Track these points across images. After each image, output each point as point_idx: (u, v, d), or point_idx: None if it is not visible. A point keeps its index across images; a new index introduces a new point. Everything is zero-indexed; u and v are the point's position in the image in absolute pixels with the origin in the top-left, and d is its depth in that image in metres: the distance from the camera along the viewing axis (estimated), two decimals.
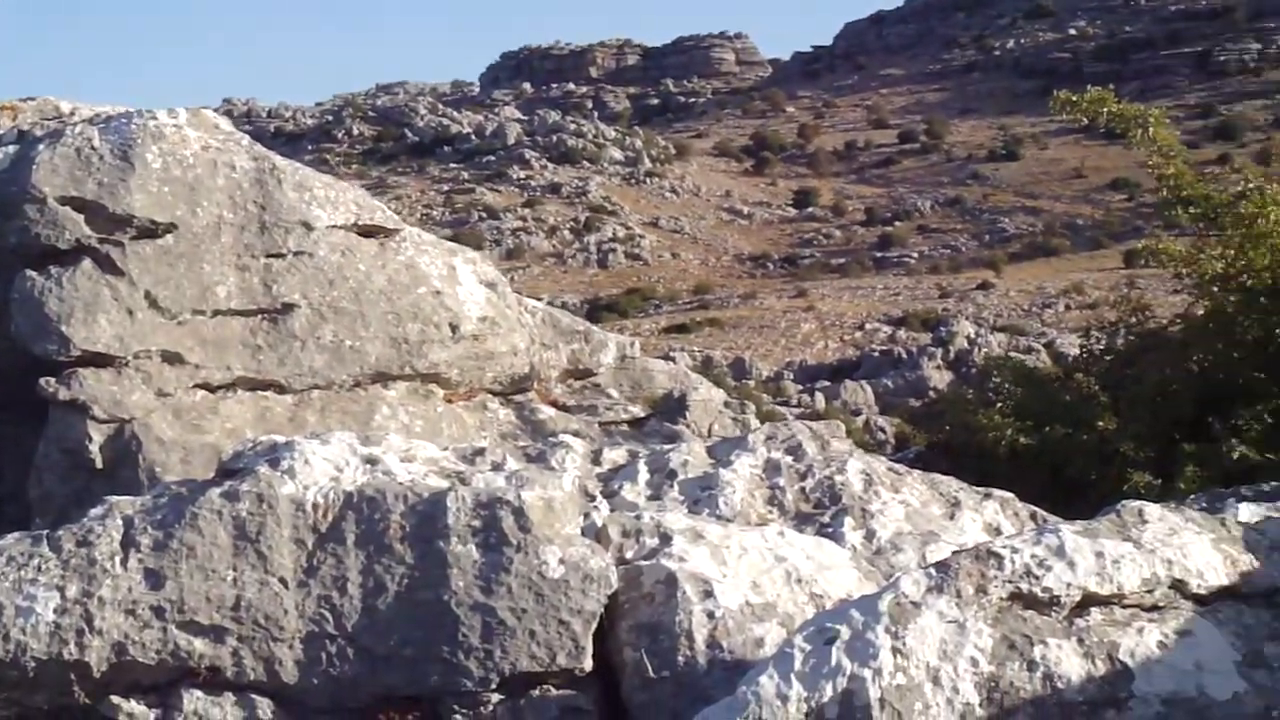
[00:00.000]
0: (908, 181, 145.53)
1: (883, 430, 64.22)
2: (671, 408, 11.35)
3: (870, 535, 6.66)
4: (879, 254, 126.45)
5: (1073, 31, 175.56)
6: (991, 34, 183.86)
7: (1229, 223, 8.76)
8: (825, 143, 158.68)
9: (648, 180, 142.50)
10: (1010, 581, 4.57)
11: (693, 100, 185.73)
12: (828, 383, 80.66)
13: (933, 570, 4.67)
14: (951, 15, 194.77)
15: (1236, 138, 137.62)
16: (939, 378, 76.14)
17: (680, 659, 5.86)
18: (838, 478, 7.01)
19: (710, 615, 5.90)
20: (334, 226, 10.12)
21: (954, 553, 4.80)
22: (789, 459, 7.19)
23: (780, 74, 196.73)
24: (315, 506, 6.48)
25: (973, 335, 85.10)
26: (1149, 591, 4.64)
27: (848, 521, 6.73)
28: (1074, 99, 9.11)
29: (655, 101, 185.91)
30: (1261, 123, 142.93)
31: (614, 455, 7.79)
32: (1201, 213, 8.89)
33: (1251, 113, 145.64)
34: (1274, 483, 5.99)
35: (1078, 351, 10.60)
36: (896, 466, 7.35)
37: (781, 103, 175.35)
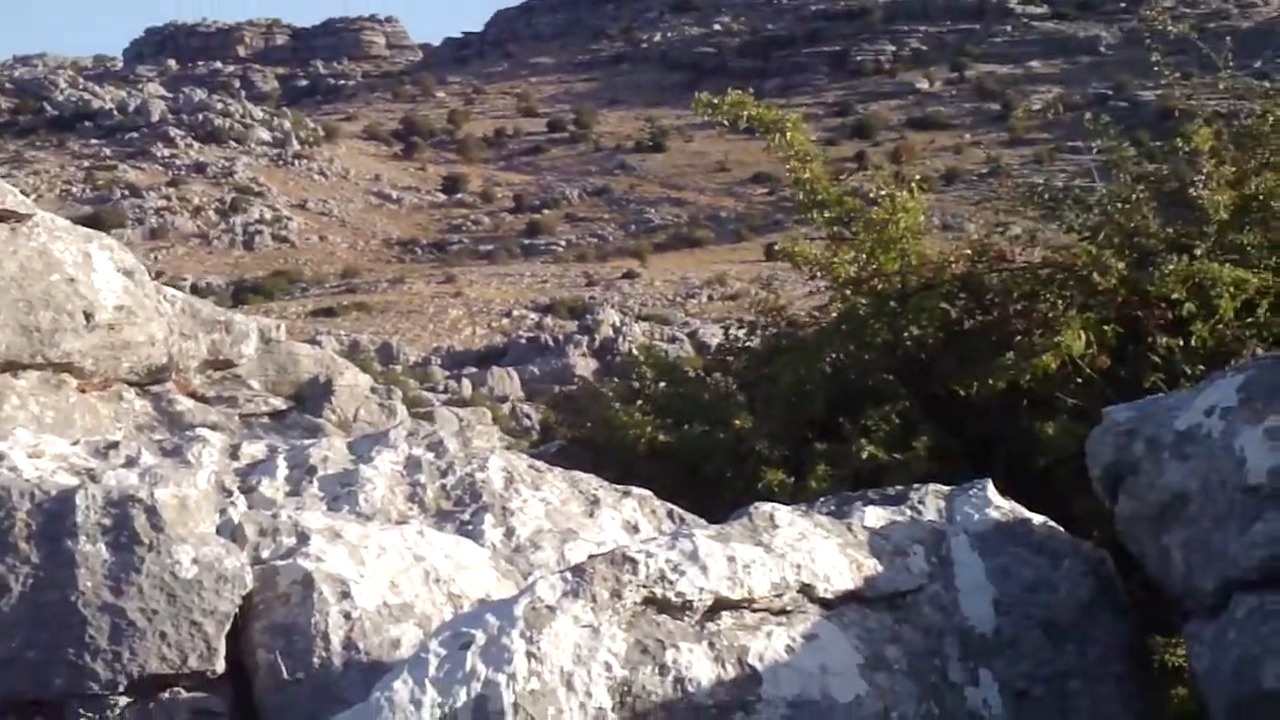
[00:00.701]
0: (556, 170, 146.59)
1: (529, 417, 64.71)
2: (317, 393, 11.21)
3: (510, 533, 6.65)
4: (527, 241, 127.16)
5: (718, 27, 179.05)
6: (639, 26, 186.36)
7: (861, 228, 8.99)
8: (475, 129, 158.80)
9: (296, 162, 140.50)
10: (644, 586, 4.62)
11: (342, 83, 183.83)
12: (475, 369, 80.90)
13: (568, 574, 4.69)
14: (600, 7, 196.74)
15: (872, 136, 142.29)
16: (585, 365, 77.03)
17: (316, 660, 5.78)
18: (479, 475, 6.99)
19: (347, 616, 5.83)
20: None
21: (589, 557, 4.83)
22: (430, 455, 7.16)
23: (431, 59, 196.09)
24: None
25: (618, 324, 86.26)
26: (778, 595, 4.74)
27: (488, 519, 6.71)
28: (714, 101, 9.25)
29: (304, 83, 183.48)
30: (895, 122, 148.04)
31: (253, 450, 7.64)
32: (836, 217, 9.11)
33: (886, 112, 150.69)
34: (899, 486, 6.18)
35: (716, 349, 10.78)
36: (538, 464, 7.36)
37: (432, 88, 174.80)
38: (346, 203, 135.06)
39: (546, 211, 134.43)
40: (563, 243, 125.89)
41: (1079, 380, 8.32)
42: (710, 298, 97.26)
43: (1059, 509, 7.62)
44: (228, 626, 5.95)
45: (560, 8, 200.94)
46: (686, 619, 4.65)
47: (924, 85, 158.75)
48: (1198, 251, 8.53)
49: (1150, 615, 5.97)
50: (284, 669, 5.81)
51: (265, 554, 6.24)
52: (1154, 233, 8.76)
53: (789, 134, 9.19)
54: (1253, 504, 4.83)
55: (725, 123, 9.38)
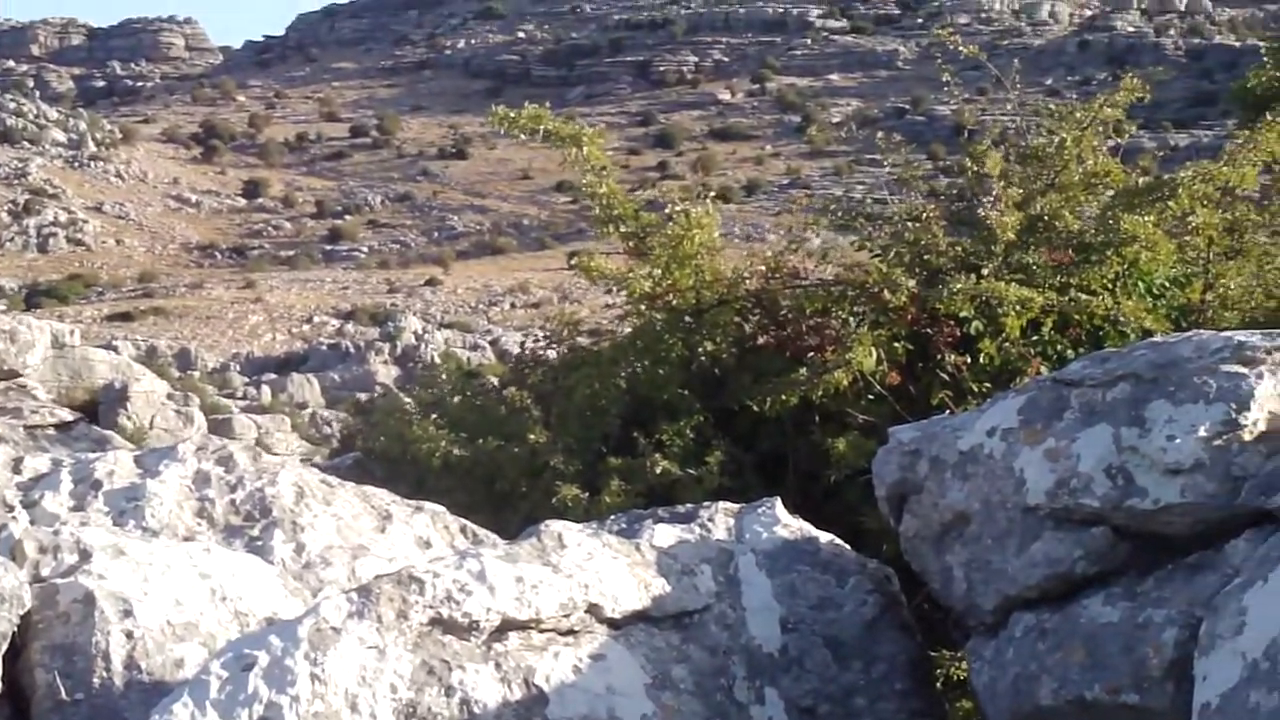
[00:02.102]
0: (358, 176, 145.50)
1: (329, 424, 64.02)
2: (112, 399, 10.99)
3: (300, 549, 6.57)
4: (329, 247, 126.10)
5: (521, 35, 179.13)
6: (443, 33, 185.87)
7: (657, 243, 9.03)
8: (276, 133, 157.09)
9: (92, 164, 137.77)
10: (431, 607, 4.58)
11: (140, 84, 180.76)
12: (275, 376, 79.96)
13: (354, 595, 4.64)
14: (403, 12, 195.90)
15: (675, 146, 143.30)
16: (386, 372, 76.54)
17: (96, 681, 5.65)
18: (269, 489, 6.89)
19: (129, 635, 5.71)
20: None
21: (376, 577, 4.78)
22: (220, 470, 7.04)
23: (231, 62, 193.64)
24: None
25: (420, 331, 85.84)
26: (566, 616, 4.73)
27: (278, 535, 6.62)
28: (512, 115, 9.23)
29: (101, 84, 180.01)
30: (697, 133, 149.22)
31: (36, 463, 7.45)
32: (632, 232, 9.14)
33: (689, 123, 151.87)
34: (693, 502, 6.21)
35: (514, 362, 10.76)
36: (329, 479, 7.28)
37: (232, 91, 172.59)
38: (144, 206, 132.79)
39: (349, 217, 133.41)
40: (365, 249, 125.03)
41: (870, 396, 8.44)
42: (513, 306, 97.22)
43: (850, 523, 7.74)
44: (4, 646, 5.80)
45: (363, 13, 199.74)
46: (473, 640, 4.62)
47: (726, 96, 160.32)
48: (985, 270, 8.71)
49: (938, 630, 6.07)
50: (63, 689, 5.68)
51: (46, 571, 6.09)
52: (943, 251, 8.92)
53: (586, 148, 9.20)
54: (1032, 524, 4.92)
55: (523, 136, 9.36)
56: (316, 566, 6.47)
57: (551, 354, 9.88)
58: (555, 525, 5.09)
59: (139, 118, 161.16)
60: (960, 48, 10.49)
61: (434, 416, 9.09)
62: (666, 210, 9.08)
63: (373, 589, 4.65)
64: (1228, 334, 5.04)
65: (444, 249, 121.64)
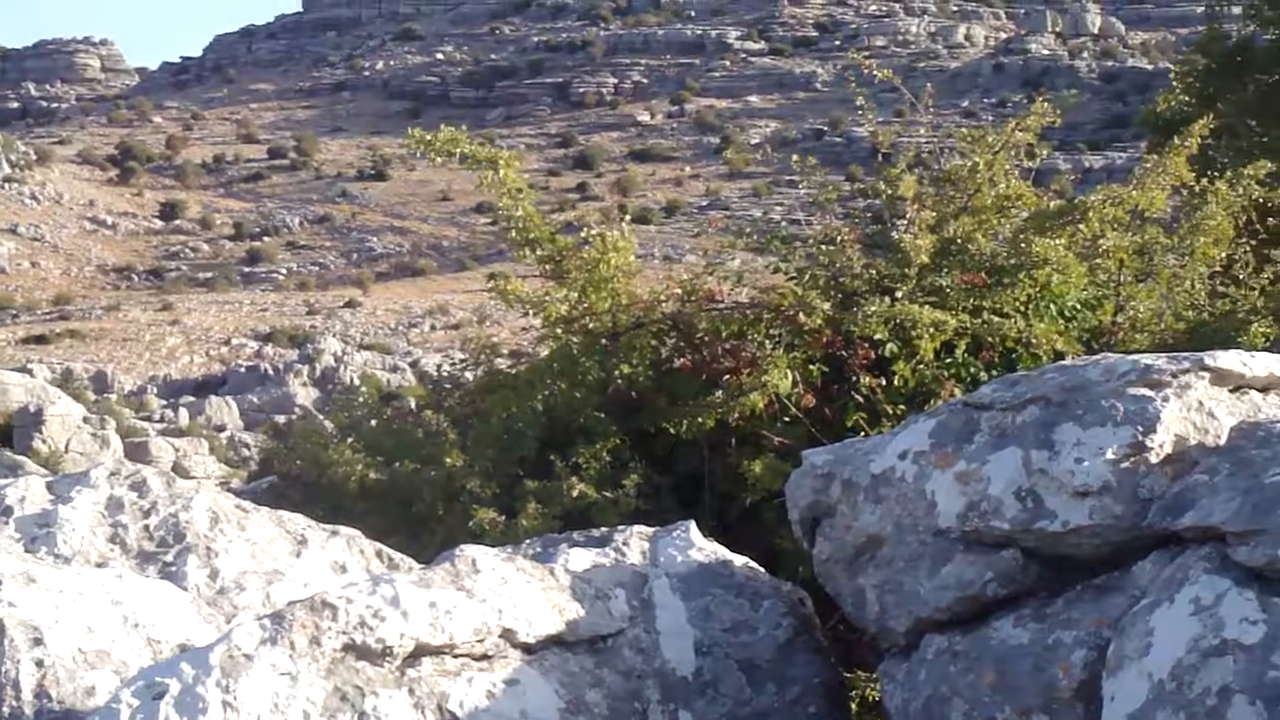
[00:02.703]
0: (277, 197, 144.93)
1: (247, 447, 63.61)
2: (27, 422, 10.90)
3: (214, 575, 6.52)
4: (247, 269, 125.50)
5: (440, 56, 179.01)
6: (361, 54, 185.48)
7: (573, 267, 9.04)
8: (193, 155, 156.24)
9: (6, 186, 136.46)
10: (344, 633, 4.56)
11: (56, 106, 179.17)
12: (193, 398, 79.42)
13: (266, 622, 4.61)
14: (321, 34, 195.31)
15: (594, 168, 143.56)
16: (305, 395, 76.12)
17: (5, 710, 5.59)
18: (183, 515, 6.84)
19: (40, 664, 5.65)
20: None
21: (289, 604, 4.75)
22: (133, 495, 6.98)
23: (148, 83, 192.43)
24: None
25: (339, 353, 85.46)
26: (480, 641, 4.72)
27: (191, 560, 6.57)
28: (428, 138, 9.22)
29: (15, 105, 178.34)
30: (617, 154, 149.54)
31: None
32: (548, 255, 9.15)
33: (608, 144, 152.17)
34: (609, 525, 6.21)
35: (431, 385, 10.74)
36: (244, 503, 7.23)
37: (149, 112, 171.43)
38: (60, 228, 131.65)
39: (267, 239, 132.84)
40: (283, 271, 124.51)
41: (786, 418, 8.47)
42: (433, 327, 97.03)
43: (767, 545, 7.77)
44: None
45: (281, 34, 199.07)
46: (387, 665, 4.60)
47: (645, 118, 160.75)
48: (900, 293, 8.77)
49: (854, 652, 6.10)
50: None
51: None
52: (858, 274, 8.98)
53: (502, 171, 9.21)
54: (943, 547, 4.95)
55: (439, 159, 9.35)
56: (231, 592, 6.43)
57: (469, 377, 9.87)
58: (470, 550, 5.08)
59: (54, 139, 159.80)
60: (874, 71, 10.57)
61: (350, 440, 9.06)
62: (583, 233, 9.09)
63: (285, 615, 4.63)
64: (1135, 357, 5.10)
65: (363, 271, 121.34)
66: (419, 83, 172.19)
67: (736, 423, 8.40)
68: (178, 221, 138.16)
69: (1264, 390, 5.05)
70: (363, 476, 8.67)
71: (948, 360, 8.67)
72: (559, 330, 9.09)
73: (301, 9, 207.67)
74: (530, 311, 9.22)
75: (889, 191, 9.25)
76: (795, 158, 10.29)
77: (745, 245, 9.77)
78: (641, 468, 8.51)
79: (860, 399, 8.46)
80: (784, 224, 10.52)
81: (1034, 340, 8.64)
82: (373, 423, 9.65)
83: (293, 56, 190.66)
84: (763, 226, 9.78)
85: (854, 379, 8.52)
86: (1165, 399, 4.82)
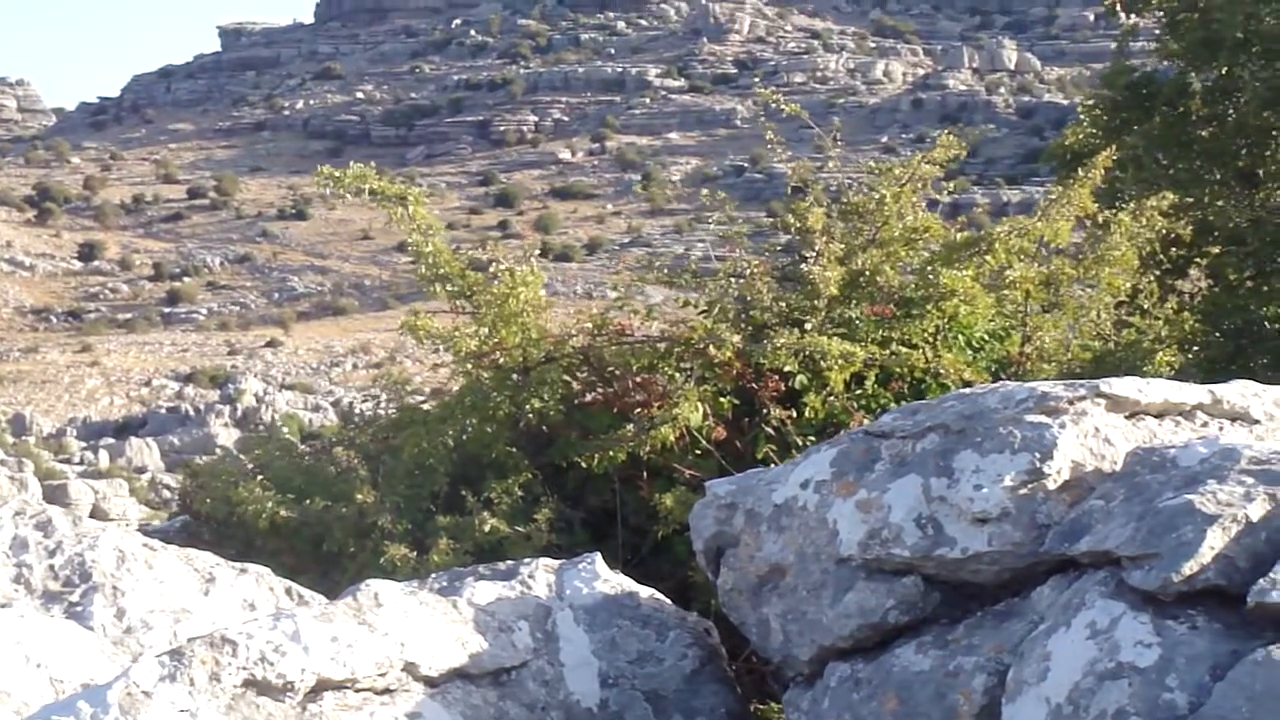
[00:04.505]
0: (197, 237, 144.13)
1: (168, 488, 63.13)
2: None
3: (121, 614, 6.47)
4: (167, 309, 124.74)
5: (360, 95, 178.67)
6: (281, 94, 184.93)
7: (483, 302, 9.05)
8: (112, 195, 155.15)
9: None
10: (245, 668, 4.54)
11: None
12: (113, 440, 78.84)
13: (166, 658, 4.59)
14: (241, 73, 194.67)
15: (516, 205, 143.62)
16: (227, 435, 75.57)
17: None
18: (89, 554, 6.79)
19: None
20: None
21: (189, 640, 4.73)
22: (39, 535, 6.92)
23: (65, 123, 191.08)
24: None
25: (261, 393, 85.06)
26: (382, 674, 4.71)
27: (98, 600, 6.52)
28: (336, 175, 9.22)
29: None
30: (539, 192, 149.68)
31: None
32: (459, 290, 9.15)
33: (530, 181, 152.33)
34: (511, 561, 6.21)
35: (342, 422, 10.70)
36: (152, 542, 7.18)
37: (66, 153, 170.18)
38: None
39: (187, 279, 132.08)
40: (204, 311, 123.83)
41: (697, 451, 8.49)
42: (355, 366, 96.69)
43: (680, 577, 7.79)
44: None
45: (199, 74, 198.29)
46: (288, 700, 4.58)
47: (566, 155, 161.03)
48: (809, 325, 8.81)
49: (768, 682, 6.11)
50: None
51: None
52: (768, 306, 9.02)
53: (412, 207, 9.21)
54: (845, 575, 4.98)
55: (349, 195, 9.34)
56: (138, 631, 6.39)
57: (382, 413, 9.85)
58: (374, 584, 5.07)
59: None
60: (782, 106, 10.65)
61: (260, 478, 9.01)
62: (492, 268, 9.10)
63: (185, 651, 4.61)
64: (1032, 385, 5.15)
65: (284, 310, 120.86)
66: (339, 122, 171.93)
67: (648, 456, 8.40)
68: (97, 262, 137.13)
69: (1159, 416, 5.11)
70: (273, 514, 8.61)
71: (857, 392, 8.72)
72: (470, 365, 9.09)
73: (220, 48, 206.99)
74: (440, 347, 9.21)
75: (798, 224, 9.31)
76: (705, 192, 10.36)
77: (656, 279, 9.81)
78: (553, 502, 8.51)
79: (771, 431, 8.48)
80: (703, 259, 10.55)
81: (942, 371, 8.70)
82: (283, 460, 9.59)
83: (212, 96, 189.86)
84: (673, 261, 9.82)
85: (764, 411, 8.54)
86: (1062, 426, 4.87)
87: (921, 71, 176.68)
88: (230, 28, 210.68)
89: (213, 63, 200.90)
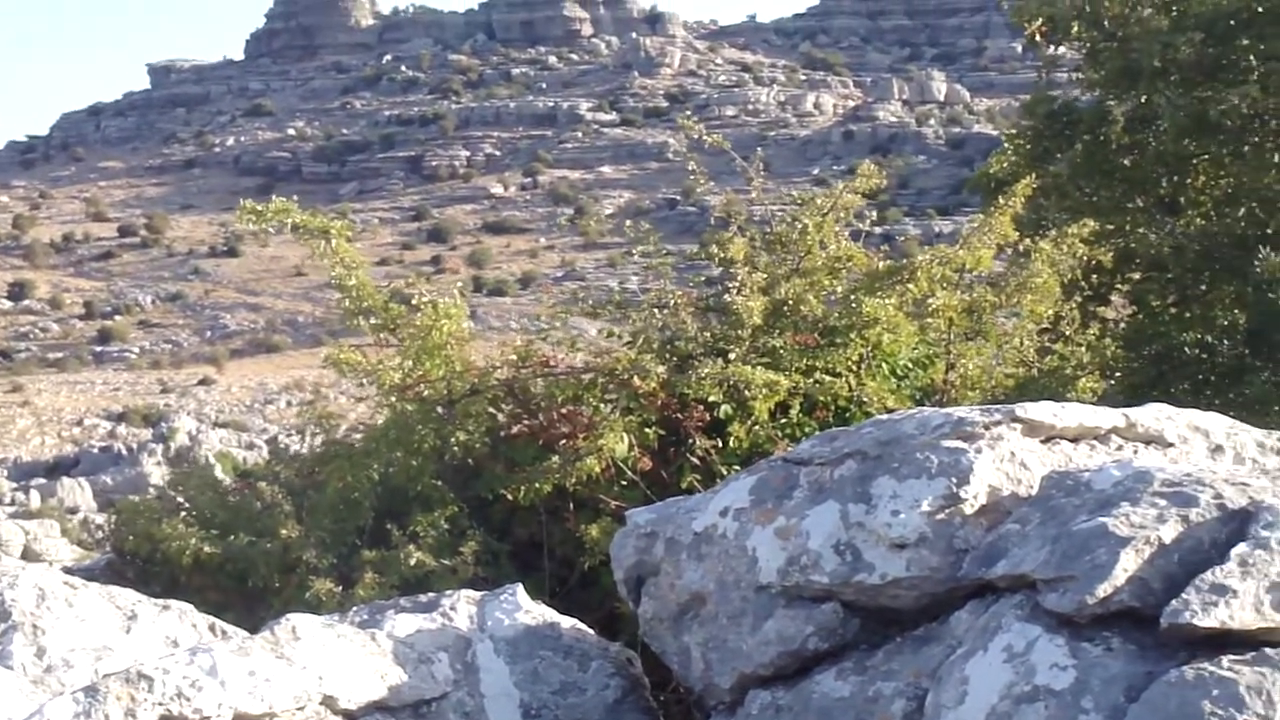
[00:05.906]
0: (128, 275, 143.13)
1: (101, 528, 62.53)
2: None
3: (41, 653, 6.40)
4: (99, 348, 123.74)
5: (291, 132, 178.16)
6: (211, 130, 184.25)
7: (406, 334, 9.04)
8: (42, 234, 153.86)
9: None
10: (161, 704, 4.51)
11: None
12: (45, 480, 78.04)
13: (80, 695, 4.56)
14: (171, 110, 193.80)
15: (448, 240, 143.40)
16: (160, 474, 74.95)
17: None
18: (8, 593, 6.71)
19: None
20: None
21: (104, 676, 4.70)
22: None
23: None
24: None
25: (194, 431, 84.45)
26: (300, 708, 4.69)
27: (17, 639, 6.45)
28: (259, 209, 9.19)
29: None
30: (471, 226, 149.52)
31: None
32: (382, 324, 9.14)
33: (462, 216, 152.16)
34: (433, 593, 6.18)
35: (267, 458, 10.64)
36: (73, 580, 7.11)
37: None
38: None
39: (118, 318, 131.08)
40: (136, 349, 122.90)
41: (623, 482, 8.50)
42: (289, 403, 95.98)
43: (606, 608, 7.78)
44: None
45: (129, 111, 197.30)
46: None
47: (498, 190, 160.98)
48: (733, 355, 8.83)
49: (690, 711, 6.10)
50: None
51: None
52: (692, 337, 9.04)
53: (334, 241, 9.19)
54: (765, 602, 4.98)
55: (271, 230, 9.32)
56: (59, 669, 6.32)
57: (303, 448, 9.82)
58: (292, 618, 5.05)
59: None
60: (704, 137, 10.69)
61: (183, 514, 8.96)
62: (414, 301, 9.09)
63: (99, 687, 4.58)
64: (949, 410, 5.18)
65: (217, 348, 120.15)
66: (271, 158, 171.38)
67: (574, 487, 8.40)
68: (26, 301, 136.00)
69: (1074, 440, 5.15)
70: (197, 551, 8.56)
71: (782, 420, 8.75)
72: (394, 399, 9.07)
73: (150, 86, 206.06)
74: (364, 380, 9.19)
75: (720, 255, 9.34)
76: (628, 223, 10.38)
77: (581, 311, 9.82)
78: (480, 535, 8.49)
79: (696, 461, 8.50)
80: (630, 291, 10.58)
81: (866, 399, 8.75)
82: (206, 496, 9.53)
83: (142, 134, 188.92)
84: (597, 293, 9.84)
85: (690, 441, 8.56)
86: (979, 450, 4.90)
87: (852, 103, 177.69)
88: (160, 65, 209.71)
89: (143, 100, 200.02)
